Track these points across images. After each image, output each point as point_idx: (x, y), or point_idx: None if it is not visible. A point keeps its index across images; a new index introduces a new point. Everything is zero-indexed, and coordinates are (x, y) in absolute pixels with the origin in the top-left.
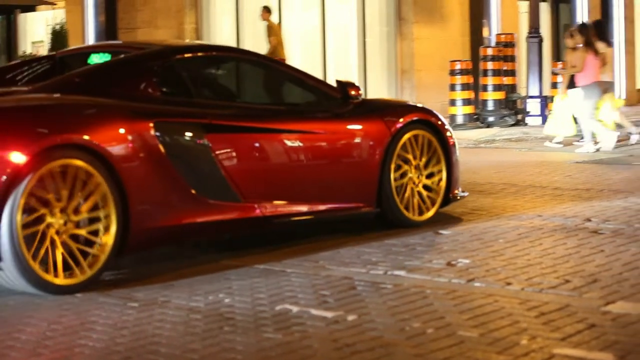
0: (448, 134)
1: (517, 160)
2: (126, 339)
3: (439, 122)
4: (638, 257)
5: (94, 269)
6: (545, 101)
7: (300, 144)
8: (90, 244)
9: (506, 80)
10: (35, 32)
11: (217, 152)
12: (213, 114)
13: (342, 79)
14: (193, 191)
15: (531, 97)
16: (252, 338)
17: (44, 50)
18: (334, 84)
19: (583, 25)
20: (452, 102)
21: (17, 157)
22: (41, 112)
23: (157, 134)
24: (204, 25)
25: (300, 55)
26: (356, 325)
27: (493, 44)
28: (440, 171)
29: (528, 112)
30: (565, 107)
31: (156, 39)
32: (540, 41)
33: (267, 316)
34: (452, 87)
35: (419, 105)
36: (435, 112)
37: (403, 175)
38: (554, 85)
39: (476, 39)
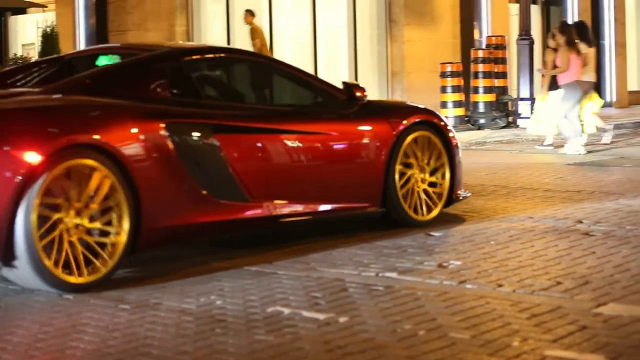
0: (451, 134)
1: (508, 162)
2: (118, 341)
3: (442, 123)
4: (629, 259)
5: (107, 267)
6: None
7: (307, 145)
8: (103, 242)
9: (497, 82)
10: (25, 35)
11: (226, 152)
12: (222, 114)
13: (348, 80)
14: (203, 191)
15: (522, 99)
16: (243, 340)
17: (34, 53)
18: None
19: (564, 24)
20: (443, 104)
21: (32, 157)
22: (55, 113)
23: (168, 134)
24: (195, 28)
25: (291, 58)
26: (348, 327)
27: (484, 46)
28: (443, 172)
29: (519, 114)
30: (546, 107)
31: (165, 42)
32: (531, 43)
33: (259, 318)
34: (443, 89)
35: (423, 106)
36: (438, 113)
37: (407, 175)
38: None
39: (467, 41)
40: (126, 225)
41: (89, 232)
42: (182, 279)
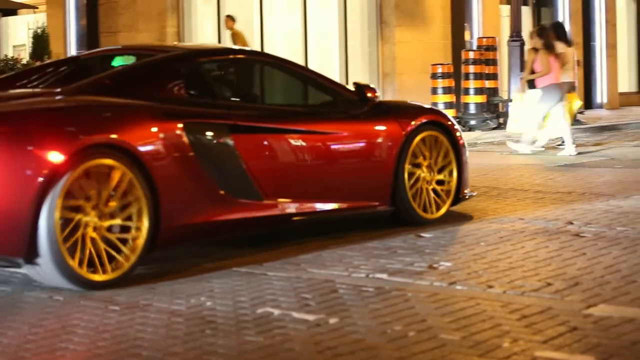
0: (458, 134)
1: (499, 163)
2: (108, 342)
3: (449, 123)
4: (619, 260)
5: (128, 264)
6: None
7: (320, 144)
8: (124, 241)
9: (488, 83)
10: (16, 36)
11: (241, 152)
12: (238, 115)
13: (360, 81)
14: (219, 189)
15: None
16: (233, 341)
17: (25, 54)
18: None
19: (541, 28)
20: (434, 106)
21: (55, 157)
22: (76, 113)
23: (186, 134)
24: (186, 29)
25: None
26: (338, 328)
27: (475, 47)
28: (451, 171)
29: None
30: (524, 106)
31: (179, 43)
32: (522, 45)
33: (249, 319)
34: (434, 91)
35: (431, 107)
36: (446, 113)
37: (416, 174)
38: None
39: (458, 43)
40: (145, 223)
41: (109, 230)
42: (172, 280)
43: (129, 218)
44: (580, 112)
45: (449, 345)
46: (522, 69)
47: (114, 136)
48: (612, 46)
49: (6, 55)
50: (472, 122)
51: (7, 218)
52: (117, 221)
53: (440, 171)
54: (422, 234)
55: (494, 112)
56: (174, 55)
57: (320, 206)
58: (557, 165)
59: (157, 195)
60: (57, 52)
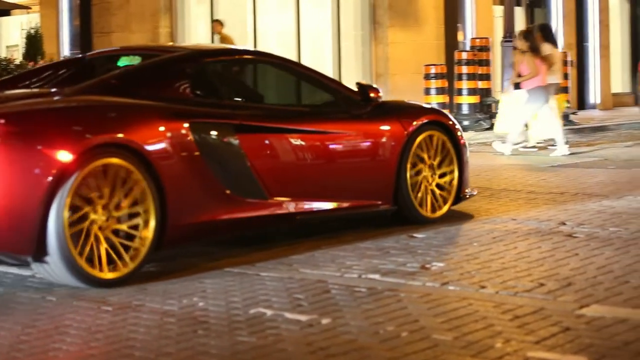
0: (459, 134)
1: (492, 164)
2: (100, 343)
3: (450, 123)
4: (612, 261)
5: (136, 262)
6: None
7: (323, 144)
8: (131, 239)
9: (481, 84)
10: (10, 37)
11: (247, 151)
12: (243, 114)
13: (363, 81)
14: (225, 188)
15: None
16: (226, 341)
17: (18, 55)
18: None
19: (528, 31)
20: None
21: (64, 156)
22: (85, 112)
23: (193, 134)
24: (179, 30)
25: None
26: (330, 328)
27: (468, 48)
28: (452, 170)
29: None
30: (510, 105)
31: (187, 44)
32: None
33: (241, 319)
34: (427, 91)
35: (433, 107)
36: (447, 113)
37: (418, 174)
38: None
39: (451, 43)
40: (152, 221)
41: (117, 228)
42: (165, 281)
43: (136, 216)
44: (573, 113)
45: (441, 345)
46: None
47: (122, 136)
48: (605, 47)
49: None
50: (465, 123)
51: (17, 217)
52: (125, 220)
53: (442, 171)
54: (415, 235)
55: (487, 112)
56: (180, 55)
57: (323, 205)
58: (549, 166)
59: (164, 194)
60: (50, 53)
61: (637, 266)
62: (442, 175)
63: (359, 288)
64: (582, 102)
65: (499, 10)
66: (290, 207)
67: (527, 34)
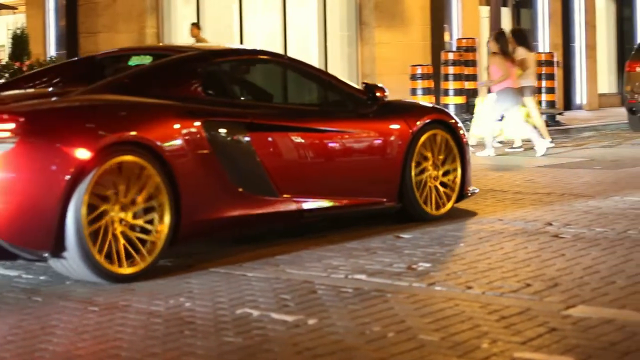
0: (461, 132)
1: (478, 164)
2: (87, 343)
3: (453, 122)
4: (599, 261)
5: (152, 257)
6: None
7: (331, 142)
8: (147, 234)
9: (467, 84)
10: None
11: (257, 149)
12: (254, 113)
13: (369, 81)
14: (236, 185)
15: None
16: (212, 342)
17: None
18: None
19: (499, 33)
20: None
21: (82, 154)
22: (102, 111)
23: (206, 132)
24: (165, 30)
25: None
26: (317, 329)
27: (454, 48)
28: (455, 168)
29: None
30: (484, 110)
31: (196, 44)
32: None
33: (228, 320)
34: (413, 92)
35: (436, 106)
36: (450, 112)
37: (422, 172)
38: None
39: (437, 44)
40: (167, 217)
41: (133, 225)
42: (151, 281)
43: (152, 212)
44: (560, 114)
45: (428, 346)
46: None
47: (137, 134)
48: (591, 47)
49: None
50: None
51: (35, 213)
52: (141, 215)
53: (444, 169)
54: (401, 235)
55: (473, 113)
56: (192, 55)
57: (331, 202)
58: (536, 166)
59: (178, 191)
60: (36, 53)
61: (623, 267)
62: (445, 173)
63: (346, 288)
64: (568, 103)
65: (485, 10)
66: (299, 204)
67: (498, 36)
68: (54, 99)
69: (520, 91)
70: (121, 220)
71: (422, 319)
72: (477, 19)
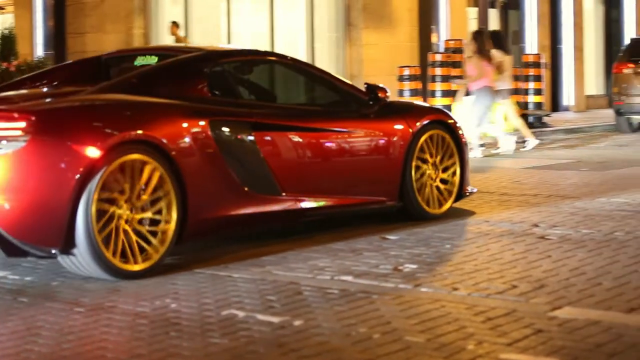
0: (460, 132)
1: None
2: (72, 344)
3: (452, 122)
4: (585, 263)
5: (158, 255)
6: None
7: (334, 142)
8: (154, 232)
9: (454, 86)
10: None
11: (262, 149)
12: (258, 113)
13: (371, 82)
14: (241, 184)
15: None
16: (198, 343)
17: None
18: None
19: (477, 32)
20: None
21: (92, 152)
22: (111, 110)
23: (212, 131)
24: (153, 31)
25: None
26: (302, 330)
27: (442, 49)
28: (454, 168)
29: None
30: (462, 112)
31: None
32: None
33: (214, 321)
34: (401, 93)
35: (436, 106)
36: (449, 113)
37: (422, 172)
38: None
39: (425, 45)
40: (174, 215)
41: (141, 222)
42: (137, 282)
43: (159, 211)
44: (547, 115)
45: (413, 347)
46: None
47: (146, 133)
48: (579, 49)
49: None
50: None
51: (46, 210)
52: (148, 214)
53: (444, 168)
54: (388, 236)
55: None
56: (198, 55)
57: (333, 201)
58: (523, 168)
59: (184, 189)
60: (24, 53)
61: (609, 268)
62: (444, 172)
63: (332, 290)
64: (555, 104)
65: (473, 12)
66: (303, 203)
67: (476, 35)
68: (63, 98)
69: (500, 94)
70: (129, 218)
71: (408, 320)
72: (464, 21)
